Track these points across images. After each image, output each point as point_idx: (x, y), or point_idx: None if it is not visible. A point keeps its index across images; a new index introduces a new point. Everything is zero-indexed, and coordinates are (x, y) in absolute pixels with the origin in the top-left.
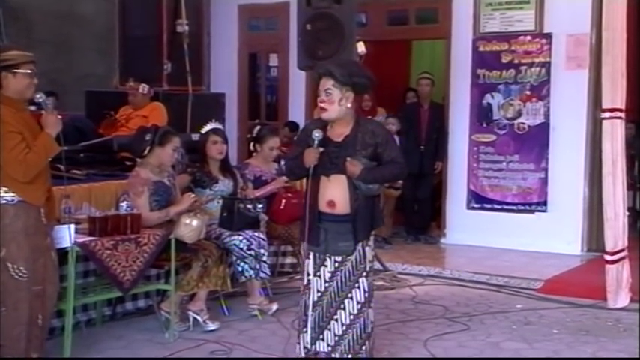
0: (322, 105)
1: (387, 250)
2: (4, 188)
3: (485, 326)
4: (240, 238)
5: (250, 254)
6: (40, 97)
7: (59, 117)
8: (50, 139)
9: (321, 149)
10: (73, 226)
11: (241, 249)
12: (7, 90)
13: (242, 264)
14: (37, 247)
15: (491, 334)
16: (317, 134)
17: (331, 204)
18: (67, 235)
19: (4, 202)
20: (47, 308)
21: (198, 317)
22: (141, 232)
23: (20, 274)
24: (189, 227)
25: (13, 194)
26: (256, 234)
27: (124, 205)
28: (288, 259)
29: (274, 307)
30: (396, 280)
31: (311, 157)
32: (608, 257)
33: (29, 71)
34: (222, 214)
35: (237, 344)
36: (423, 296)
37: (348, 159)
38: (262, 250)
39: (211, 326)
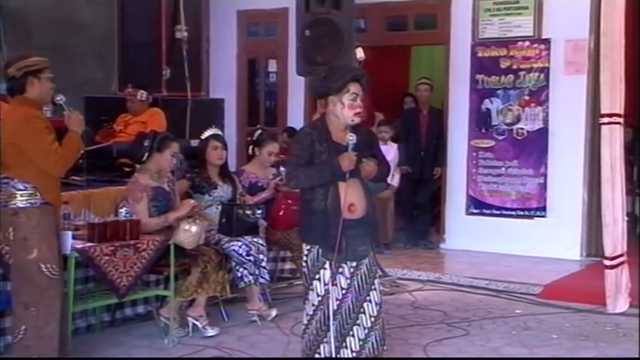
0: (361, 110)
1: (387, 256)
2: (29, 190)
3: (485, 331)
4: (240, 243)
5: (249, 260)
6: (60, 99)
7: (81, 117)
8: (78, 136)
9: (356, 152)
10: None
11: (240, 255)
12: (31, 94)
13: (241, 270)
14: (59, 246)
15: (491, 340)
16: (351, 137)
17: (352, 207)
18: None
19: (29, 205)
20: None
21: (197, 323)
22: (140, 237)
23: (54, 272)
24: (189, 233)
25: (35, 197)
26: (255, 240)
27: (123, 211)
28: (288, 265)
29: (274, 313)
30: (396, 286)
31: (351, 161)
32: (607, 262)
33: (51, 76)
34: (221, 219)
35: (236, 350)
36: (423, 302)
37: (364, 160)
38: (261, 256)
39: (211, 332)
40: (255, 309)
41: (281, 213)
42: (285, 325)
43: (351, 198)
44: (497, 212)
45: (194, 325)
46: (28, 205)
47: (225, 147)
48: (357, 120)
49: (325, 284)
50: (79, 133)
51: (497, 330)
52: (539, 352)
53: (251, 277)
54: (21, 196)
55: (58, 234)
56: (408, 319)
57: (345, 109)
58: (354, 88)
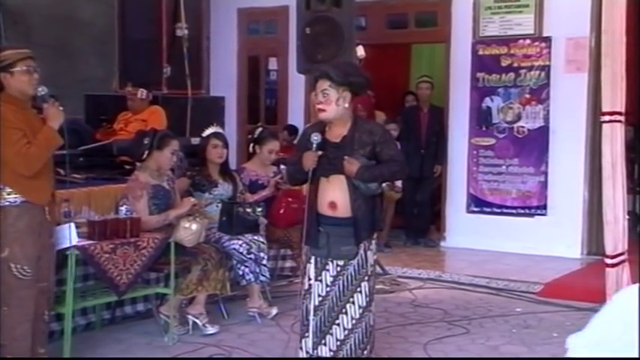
0: (320, 106)
1: (387, 254)
2: (8, 189)
3: (485, 330)
4: (240, 242)
5: (250, 258)
6: (41, 90)
7: (61, 109)
8: (52, 131)
9: (320, 152)
10: (73, 225)
11: (241, 253)
12: (9, 89)
13: (242, 268)
14: (43, 245)
15: (491, 338)
16: (315, 137)
17: (332, 205)
18: (67, 235)
19: (7, 203)
20: (50, 305)
21: (197, 321)
22: (140, 235)
23: (24, 273)
24: (189, 231)
25: (15, 195)
26: (256, 238)
27: (123, 208)
28: (288, 263)
29: (274, 311)
30: (396, 284)
31: (309, 160)
32: (608, 261)
33: (25, 68)
34: (221, 218)
35: (236, 348)
36: (423, 300)
37: (346, 157)
38: (262, 254)
39: (210, 330)
40: (256, 307)
41: (281, 211)
42: (285, 323)
43: (333, 195)
44: (498, 210)
45: (194, 322)
46: (7, 203)
47: (225, 145)
48: (319, 116)
49: (309, 279)
50: (55, 128)
51: (498, 328)
52: (539, 351)
53: (252, 276)
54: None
55: (42, 232)
56: (408, 317)
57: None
58: (318, 85)
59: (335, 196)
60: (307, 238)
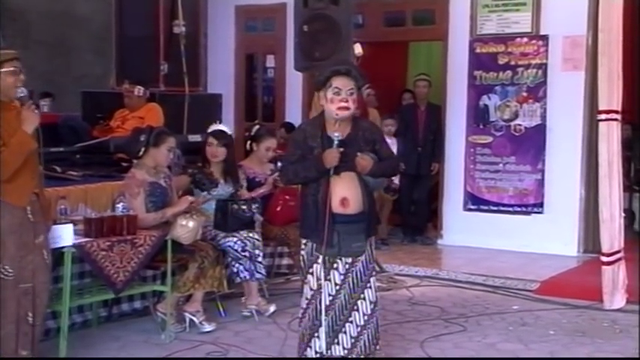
0: (345, 104)
1: (384, 252)
2: None
3: (482, 327)
4: (235, 239)
5: (245, 255)
6: (21, 92)
7: (36, 112)
8: (25, 135)
9: (342, 149)
10: (71, 226)
11: (236, 250)
12: None
13: (237, 265)
14: (24, 245)
15: (488, 336)
16: (336, 135)
17: (345, 202)
18: (65, 235)
19: None
20: (38, 306)
21: (194, 318)
22: (137, 233)
23: (5, 273)
24: (186, 228)
25: None
26: (251, 235)
27: (119, 206)
28: (285, 261)
29: (272, 309)
30: (393, 282)
31: (333, 158)
32: (604, 259)
33: (11, 69)
34: (216, 215)
35: (233, 345)
36: (420, 297)
37: (359, 154)
38: (257, 252)
39: (207, 327)
40: (254, 304)
41: (278, 209)
42: (282, 321)
43: (344, 192)
44: (495, 208)
45: (191, 320)
46: None
47: (222, 144)
48: (341, 114)
49: (318, 279)
50: (29, 131)
51: (494, 326)
52: (536, 348)
53: (247, 273)
54: None
55: (23, 232)
56: (405, 315)
57: (328, 103)
58: (338, 82)
59: (347, 193)
60: (319, 238)
